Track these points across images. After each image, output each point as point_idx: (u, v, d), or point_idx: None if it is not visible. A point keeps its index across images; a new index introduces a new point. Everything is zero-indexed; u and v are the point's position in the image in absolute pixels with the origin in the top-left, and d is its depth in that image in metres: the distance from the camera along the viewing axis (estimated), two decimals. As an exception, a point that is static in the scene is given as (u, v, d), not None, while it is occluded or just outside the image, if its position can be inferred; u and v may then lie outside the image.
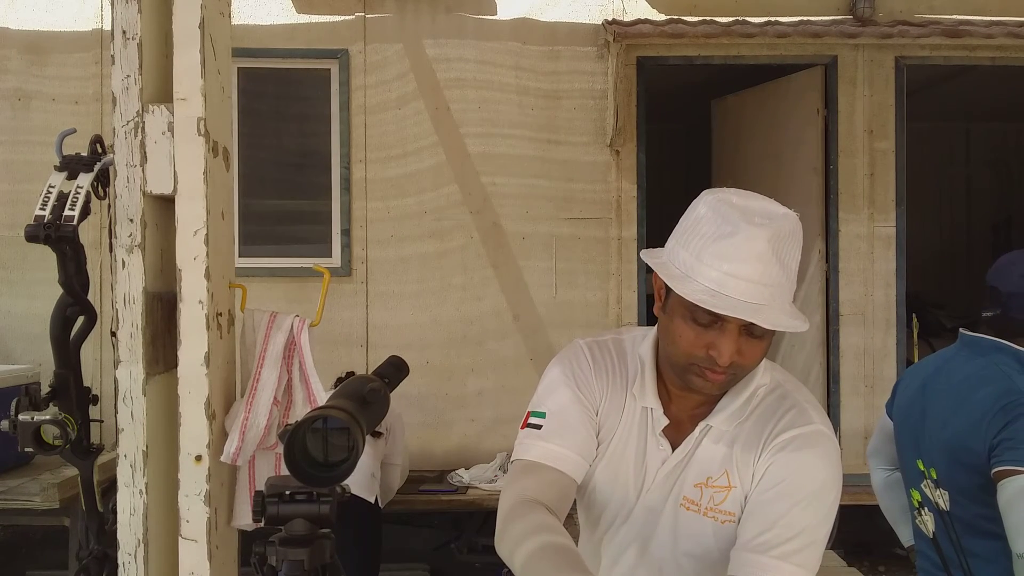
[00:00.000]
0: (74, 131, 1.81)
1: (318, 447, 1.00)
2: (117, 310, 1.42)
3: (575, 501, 1.40)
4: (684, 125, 7.34)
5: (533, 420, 1.31)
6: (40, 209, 1.67)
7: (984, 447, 1.75)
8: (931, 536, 1.84)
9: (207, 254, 1.41)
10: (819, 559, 1.20)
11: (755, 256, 1.11)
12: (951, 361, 1.97)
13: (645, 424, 1.31)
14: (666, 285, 1.20)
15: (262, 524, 1.09)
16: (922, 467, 1.89)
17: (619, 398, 1.32)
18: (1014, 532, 1.66)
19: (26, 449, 1.77)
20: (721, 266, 1.12)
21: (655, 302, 1.28)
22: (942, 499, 1.82)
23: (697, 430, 1.28)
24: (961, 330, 1.97)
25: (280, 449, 1.28)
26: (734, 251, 1.12)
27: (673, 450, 1.29)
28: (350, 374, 3.88)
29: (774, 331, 1.18)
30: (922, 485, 1.87)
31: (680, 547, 1.31)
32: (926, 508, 1.84)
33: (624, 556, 1.37)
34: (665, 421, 1.29)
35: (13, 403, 1.78)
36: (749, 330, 1.15)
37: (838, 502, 1.24)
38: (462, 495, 4.16)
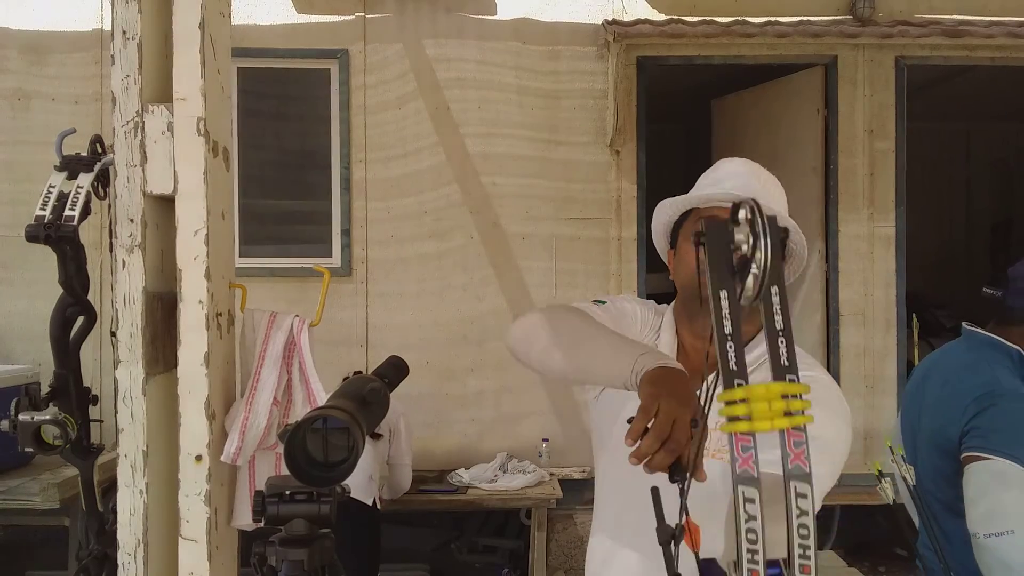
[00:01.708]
0: (74, 131, 1.81)
1: (318, 447, 1.00)
2: (117, 310, 1.41)
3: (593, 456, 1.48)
4: (684, 125, 7.34)
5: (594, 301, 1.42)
6: (40, 209, 1.67)
7: (958, 434, 1.87)
8: (891, 502, 2.03)
9: (207, 254, 1.40)
10: (822, 492, 1.22)
11: (733, 173, 1.37)
12: (948, 353, 2.09)
13: None
14: (671, 245, 1.42)
15: (262, 524, 1.09)
16: (888, 443, 2.05)
17: (651, 339, 1.43)
18: (972, 515, 1.79)
19: (26, 449, 1.77)
20: (710, 186, 1.37)
21: (669, 271, 1.44)
22: (909, 474, 1.99)
23: (710, 379, 1.31)
24: (964, 324, 2.06)
25: (280, 449, 1.28)
26: (719, 173, 1.39)
27: None
28: (357, 374, 3.88)
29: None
30: (891, 461, 2.04)
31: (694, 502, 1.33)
32: (887, 480, 2.03)
33: (634, 507, 1.39)
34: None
35: (13, 403, 1.78)
36: None
37: (845, 457, 1.29)
38: (462, 495, 4.16)
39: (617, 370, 1.11)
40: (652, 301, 1.52)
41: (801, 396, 0.65)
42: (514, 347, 1.36)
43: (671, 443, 1.00)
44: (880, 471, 2.08)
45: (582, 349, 1.19)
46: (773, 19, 4.43)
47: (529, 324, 1.32)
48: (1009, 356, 1.94)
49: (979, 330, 1.99)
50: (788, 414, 0.64)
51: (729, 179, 1.35)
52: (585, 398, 1.57)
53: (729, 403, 0.63)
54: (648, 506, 1.35)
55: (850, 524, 4.35)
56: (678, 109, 6.46)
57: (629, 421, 1.04)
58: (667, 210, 1.41)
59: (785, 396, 0.63)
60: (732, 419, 0.64)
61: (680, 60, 4.67)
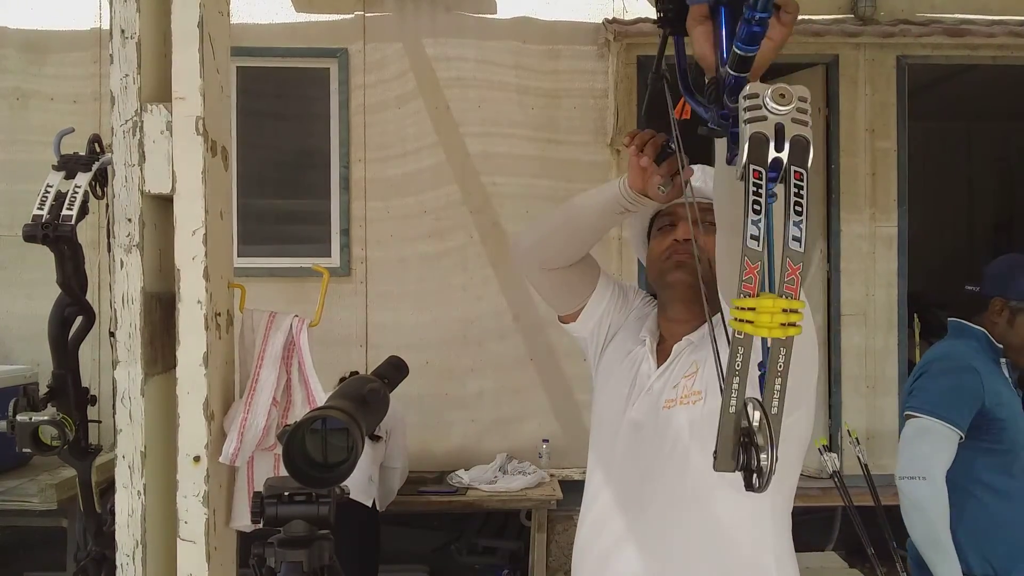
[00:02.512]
0: (72, 130, 1.80)
1: (317, 448, 0.99)
2: (115, 310, 1.40)
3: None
4: (684, 124, 7.33)
5: None
6: (38, 209, 1.66)
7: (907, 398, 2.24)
8: (832, 471, 2.71)
9: (206, 254, 1.40)
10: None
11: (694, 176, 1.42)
12: (932, 347, 2.42)
13: (642, 351, 1.52)
14: (646, 241, 1.55)
15: (261, 525, 1.08)
16: (846, 427, 2.78)
17: (639, 326, 1.57)
18: (897, 462, 2.13)
19: (24, 450, 1.76)
20: None
21: (647, 271, 1.57)
22: (861, 454, 2.71)
23: (677, 346, 1.46)
24: (949, 318, 2.39)
25: (279, 450, 1.27)
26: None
27: (659, 368, 1.48)
28: (354, 374, 3.86)
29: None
30: (849, 443, 2.77)
31: (663, 453, 1.42)
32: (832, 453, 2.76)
33: (619, 479, 1.49)
34: (654, 343, 1.51)
35: (11, 404, 1.77)
36: (697, 223, 1.35)
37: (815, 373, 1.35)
38: (462, 496, 4.15)
39: (609, 193, 1.39)
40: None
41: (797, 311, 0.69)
42: (523, 246, 1.58)
43: (658, 137, 1.30)
44: (825, 445, 2.74)
45: (575, 205, 1.47)
46: (774, 18, 4.42)
47: (528, 226, 1.62)
48: (976, 337, 2.23)
49: (956, 319, 2.32)
50: (784, 325, 0.68)
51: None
52: (589, 358, 1.65)
53: (739, 307, 0.66)
54: (630, 474, 1.41)
55: (851, 526, 4.34)
56: (678, 109, 6.45)
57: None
58: (639, 214, 1.51)
59: (785, 311, 0.67)
60: (738, 320, 0.68)
61: (681, 59, 4.66)
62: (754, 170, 0.64)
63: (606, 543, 1.47)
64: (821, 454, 2.40)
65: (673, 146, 1.28)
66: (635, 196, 1.35)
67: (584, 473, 1.62)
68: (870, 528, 3.53)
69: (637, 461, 1.45)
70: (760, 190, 0.65)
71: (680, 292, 1.45)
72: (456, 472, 4.35)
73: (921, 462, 2.08)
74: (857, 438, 2.38)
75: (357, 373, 3.86)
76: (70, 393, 1.80)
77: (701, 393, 1.37)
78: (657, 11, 0.88)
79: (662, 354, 1.49)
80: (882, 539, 4.37)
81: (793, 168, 0.64)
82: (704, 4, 0.84)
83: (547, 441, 4.51)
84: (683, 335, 1.46)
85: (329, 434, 0.99)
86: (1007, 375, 2.25)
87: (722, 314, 1.06)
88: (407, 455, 3.87)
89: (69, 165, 1.70)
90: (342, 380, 3.87)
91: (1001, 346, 2.23)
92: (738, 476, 0.68)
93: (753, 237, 0.65)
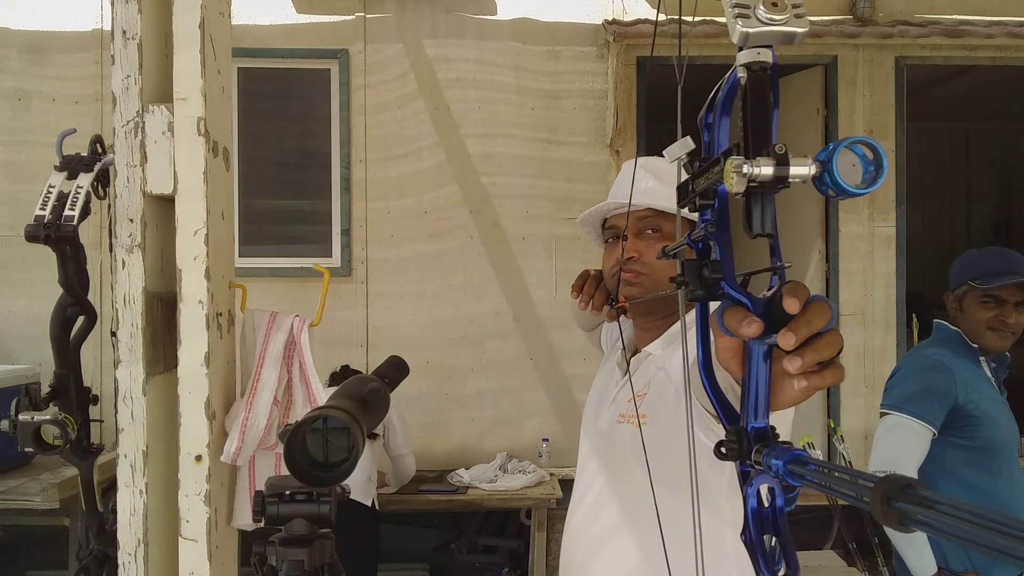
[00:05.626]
0: (74, 131, 1.80)
1: (318, 447, 1.00)
2: (117, 310, 1.41)
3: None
4: (685, 125, 7.33)
5: None
6: (40, 209, 1.66)
7: None
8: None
9: (207, 254, 1.40)
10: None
11: (621, 180, 1.52)
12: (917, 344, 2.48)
13: (614, 361, 1.57)
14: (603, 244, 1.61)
15: (262, 524, 1.09)
16: (830, 424, 2.71)
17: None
18: (871, 457, 2.18)
19: (26, 449, 1.77)
20: (611, 197, 1.51)
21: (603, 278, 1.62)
22: (846, 452, 2.79)
23: (636, 358, 1.47)
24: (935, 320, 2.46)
25: (280, 449, 1.28)
26: (618, 182, 1.54)
27: (622, 378, 1.51)
28: (345, 367, 3.88)
29: (663, 232, 1.43)
30: (833, 439, 2.76)
31: (613, 465, 1.44)
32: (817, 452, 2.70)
33: (589, 487, 1.50)
34: (629, 352, 1.52)
35: (13, 403, 1.77)
36: (642, 234, 1.44)
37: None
38: (462, 495, 4.15)
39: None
40: None
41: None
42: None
43: (603, 288, 1.49)
44: (810, 442, 2.79)
45: (574, 311, 1.70)
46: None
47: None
48: (951, 337, 2.30)
49: (939, 320, 2.40)
50: None
51: (619, 187, 1.51)
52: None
53: None
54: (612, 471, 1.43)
55: (850, 525, 4.36)
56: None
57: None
58: (588, 224, 1.59)
59: None
60: None
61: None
62: None
63: (582, 547, 1.48)
64: (807, 450, 2.46)
65: (615, 304, 1.46)
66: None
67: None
68: (869, 526, 3.56)
69: (600, 469, 1.48)
70: None
71: (634, 307, 1.48)
72: (456, 471, 4.36)
73: (892, 457, 2.13)
74: (842, 435, 2.46)
75: (348, 367, 3.88)
76: (72, 393, 1.80)
77: (646, 416, 1.37)
78: (679, 280, 0.71)
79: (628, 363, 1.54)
80: (881, 540, 4.39)
81: None
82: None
83: (547, 440, 4.52)
84: (649, 341, 1.47)
85: (330, 433, 1.00)
86: (988, 373, 2.27)
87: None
88: (409, 443, 3.93)
89: (71, 165, 1.71)
90: (333, 375, 3.89)
91: (976, 345, 2.27)
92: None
93: None
